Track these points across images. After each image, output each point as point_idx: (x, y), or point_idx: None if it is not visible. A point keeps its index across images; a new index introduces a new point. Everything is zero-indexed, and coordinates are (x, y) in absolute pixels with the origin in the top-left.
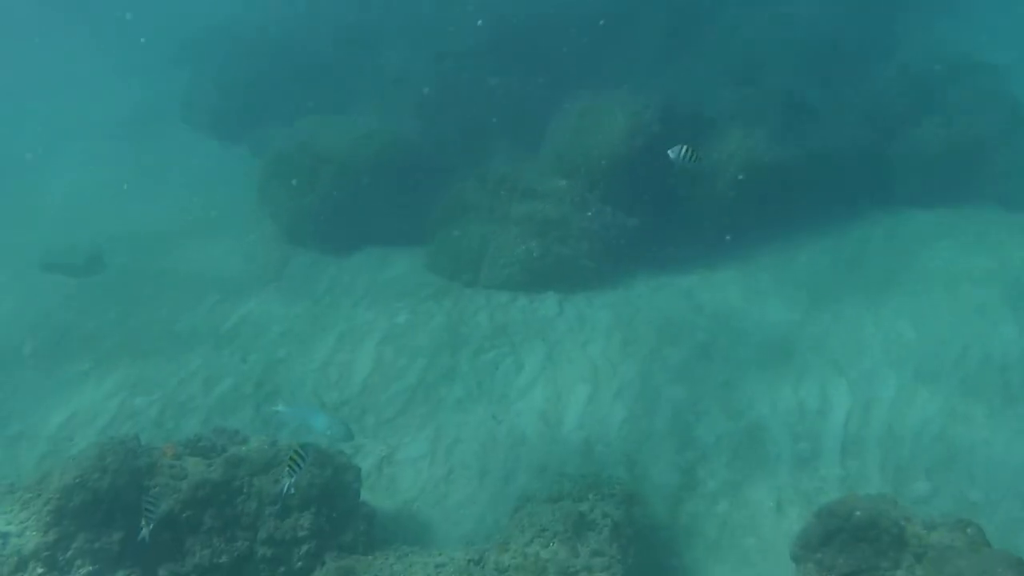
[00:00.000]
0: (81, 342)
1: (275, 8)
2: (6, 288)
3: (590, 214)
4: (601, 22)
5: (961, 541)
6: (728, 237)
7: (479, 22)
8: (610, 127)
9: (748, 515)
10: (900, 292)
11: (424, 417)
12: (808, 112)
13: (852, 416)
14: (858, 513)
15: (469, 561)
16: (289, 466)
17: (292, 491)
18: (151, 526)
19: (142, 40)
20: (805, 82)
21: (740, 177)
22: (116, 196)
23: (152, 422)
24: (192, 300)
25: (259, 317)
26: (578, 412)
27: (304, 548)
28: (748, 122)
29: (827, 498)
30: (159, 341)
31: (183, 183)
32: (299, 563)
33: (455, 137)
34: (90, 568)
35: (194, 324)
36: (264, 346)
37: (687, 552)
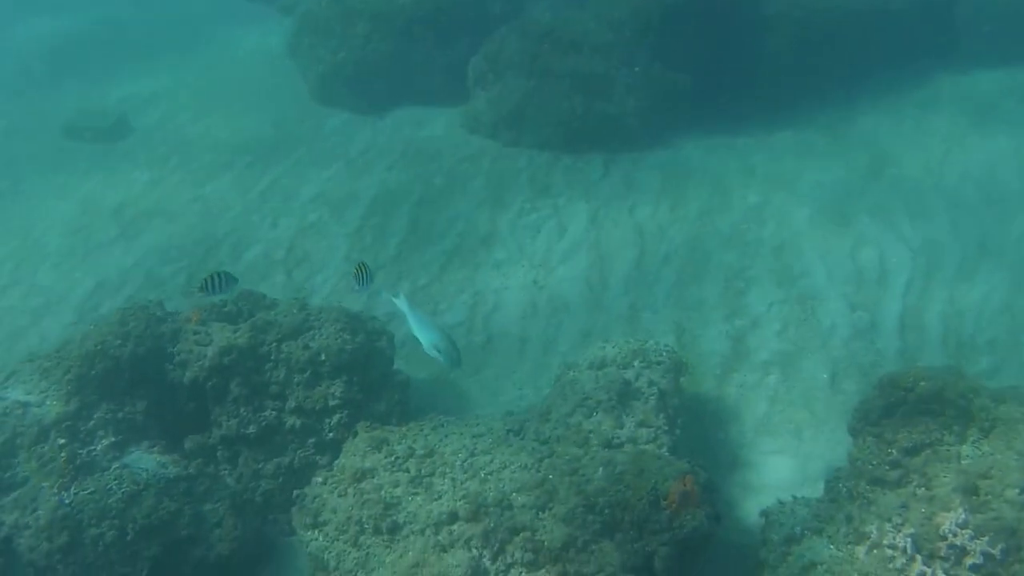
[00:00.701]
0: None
1: None
2: None
3: (638, 69)
4: None
5: None
6: (785, 97)
7: None
8: None
9: (800, 388)
10: (963, 156)
11: (462, 282)
12: None
13: (912, 285)
14: (923, 384)
15: (508, 431)
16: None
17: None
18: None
19: None
20: None
21: (797, 33)
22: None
23: (179, 290)
24: (220, 165)
25: (290, 181)
26: (623, 277)
27: (335, 418)
28: None
29: (884, 372)
30: (186, 207)
31: (211, 45)
32: (330, 434)
33: None
34: (113, 439)
35: (221, 189)
36: (295, 210)
37: (735, 425)
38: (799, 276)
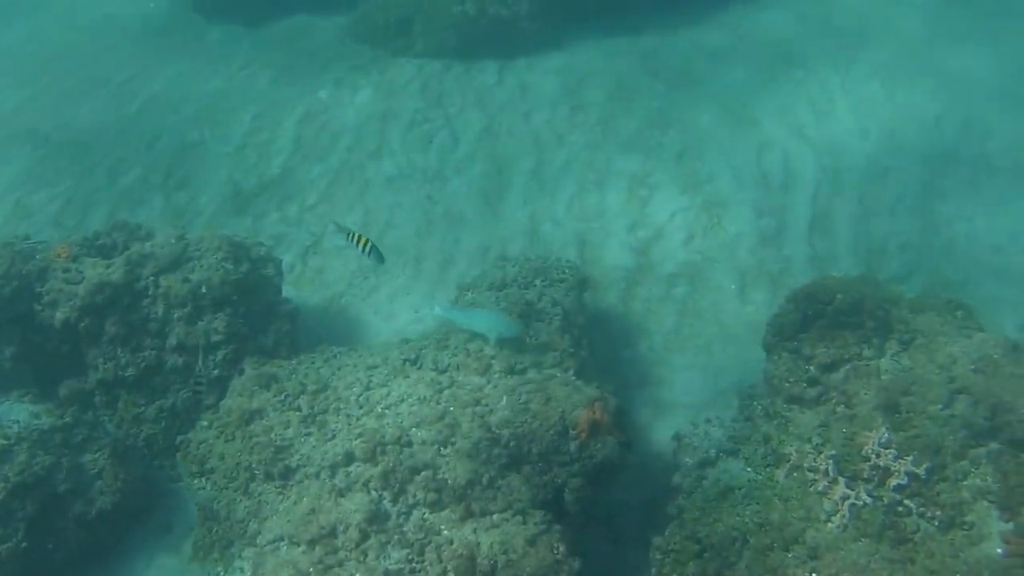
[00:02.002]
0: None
1: None
2: None
3: None
4: None
5: (951, 325)
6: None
7: None
8: None
9: (709, 300)
10: (872, 49)
11: (352, 199)
12: None
13: (821, 188)
14: (840, 296)
15: (405, 361)
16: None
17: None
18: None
19: None
20: None
21: None
22: None
23: (51, 221)
24: (92, 82)
25: (168, 96)
26: (521, 187)
27: (220, 354)
28: None
29: (793, 280)
30: (57, 131)
31: None
32: (215, 371)
33: None
34: None
35: (94, 108)
36: (174, 128)
37: (643, 341)
38: (704, 182)
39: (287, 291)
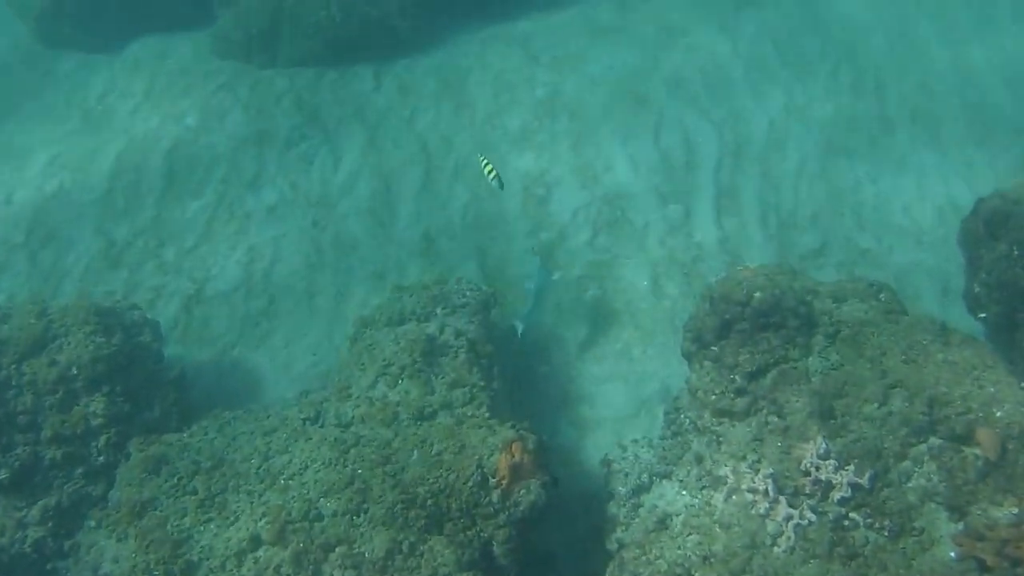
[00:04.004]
0: None
1: None
2: None
3: None
4: None
5: (876, 311)
6: None
7: None
8: None
9: (622, 300)
10: (763, 12)
11: (233, 237)
12: None
13: (723, 165)
14: (757, 295)
15: (305, 420)
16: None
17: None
18: None
19: None
20: None
21: None
22: None
23: None
24: None
25: (20, 144)
26: (412, 202)
27: (103, 439)
28: None
29: (706, 266)
30: None
31: None
32: (100, 458)
33: None
34: None
35: None
36: (30, 180)
37: (558, 354)
38: (602, 173)
39: (173, 349)
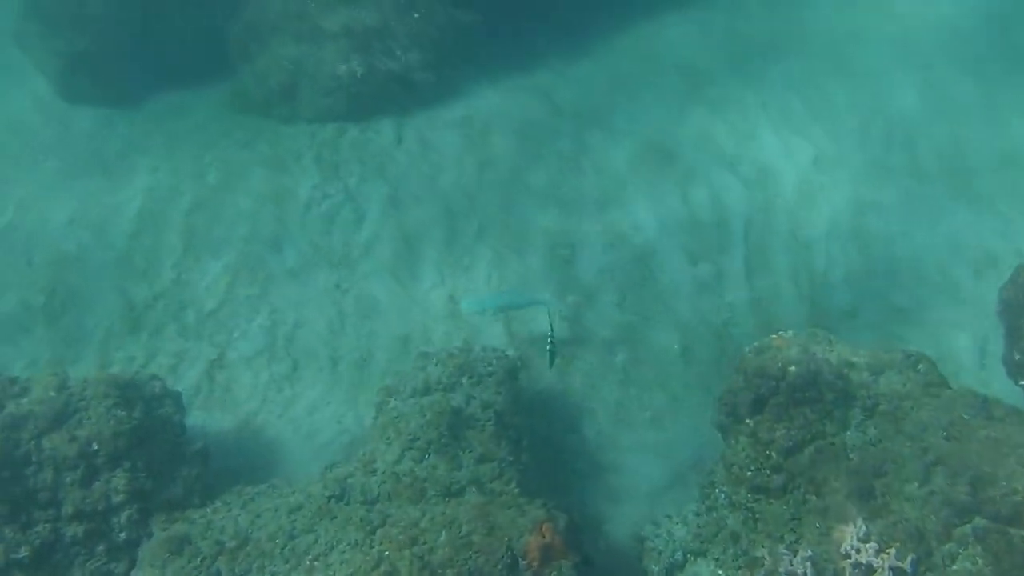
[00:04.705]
0: None
1: None
2: None
3: (417, 16)
4: None
5: (914, 383)
6: (584, 22)
7: None
8: None
9: (652, 365)
10: (786, 61)
11: (254, 300)
12: None
13: (752, 222)
14: (792, 369)
15: (330, 498)
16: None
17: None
18: None
19: None
20: None
21: None
22: None
23: None
24: None
25: (40, 204)
26: (436, 263)
27: (124, 515)
28: None
29: (739, 330)
30: None
31: None
32: (122, 534)
33: None
34: None
35: None
36: (51, 240)
37: (588, 422)
38: (631, 232)
39: (195, 417)
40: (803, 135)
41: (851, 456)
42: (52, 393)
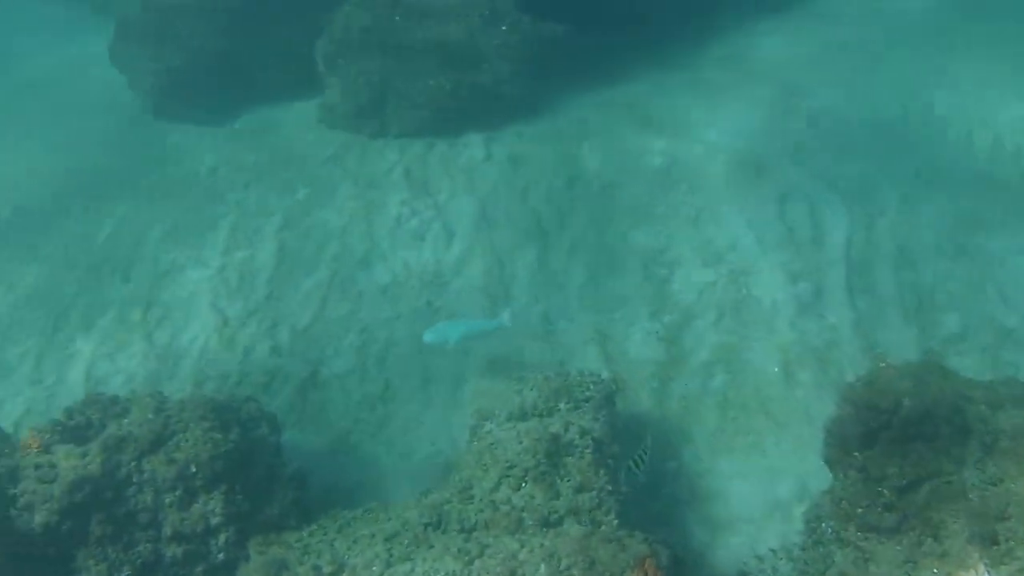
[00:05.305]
0: None
1: None
2: None
3: (505, 28)
4: None
5: None
6: (674, 32)
7: None
8: None
9: (751, 388)
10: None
11: (346, 319)
12: None
13: (853, 239)
14: (907, 402)
15: (427, 525)
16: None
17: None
18: None
19: None
20: None
21: None
22: None
23: (28, 379)
24: (53, 214)
25: (134, 220)
26: (528, 282)
27: (222, 537)
28: None
29: (841, 353)
30: (22, 270)
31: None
32: (220, 555)
33: None
34: None
35: (62, 244)
36: (146, 257)
37: (686, 448)
38: (726, 250)
39: (290, 435)
40: (906, 147)
41: (971, 497)
42: (150, 415)
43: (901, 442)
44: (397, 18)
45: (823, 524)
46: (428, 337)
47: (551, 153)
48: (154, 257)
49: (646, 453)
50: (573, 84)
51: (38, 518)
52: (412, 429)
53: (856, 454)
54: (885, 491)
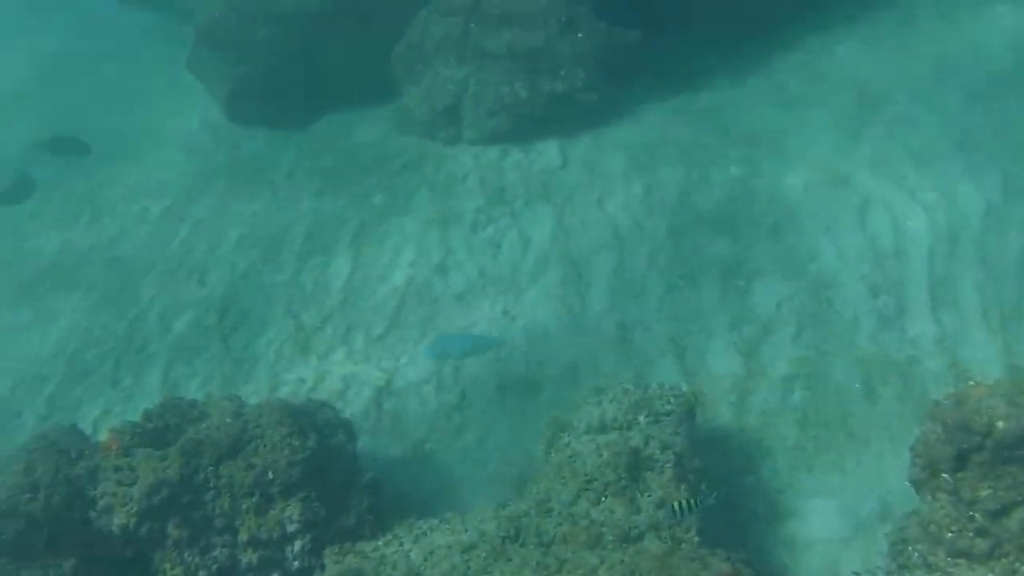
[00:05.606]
0: (18, 287)
1: None
2: None
3: (581, 35)
4: None
5: None
6: (749, 37)
7: None
8: None
9: (832, 404)
10: (964, 79)
11: (422, 325)
12: None
13: (936, 251)
14: (1000, 425)
15: (504, 538)
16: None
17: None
18: None
19: None
20: None
21: None
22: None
23: (107, 380)
24: (131, 216)
25: (211, 224)
26: (605, 290)
27: (298, 544)
28: None
29: (924, 369)
30: (102, 272)
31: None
32: (295, 563)
33: None
34: None
35: (136, 246)
36: (222, 260)
37: (765, 463)
38: (806, 261)
39: (364, 442)
40: (991, 159)
41: None
42: (228, 419)
43: (994, 465)
44: (474, 25)
45: (910, 548)
46: (427, 353)
47: (627, 161)
48: (231, 262)
49: (698, 503)
50: (649, 90)
51: (117, 520)
52: (487, 438)
53: (945, 476)
54: (977, 515)
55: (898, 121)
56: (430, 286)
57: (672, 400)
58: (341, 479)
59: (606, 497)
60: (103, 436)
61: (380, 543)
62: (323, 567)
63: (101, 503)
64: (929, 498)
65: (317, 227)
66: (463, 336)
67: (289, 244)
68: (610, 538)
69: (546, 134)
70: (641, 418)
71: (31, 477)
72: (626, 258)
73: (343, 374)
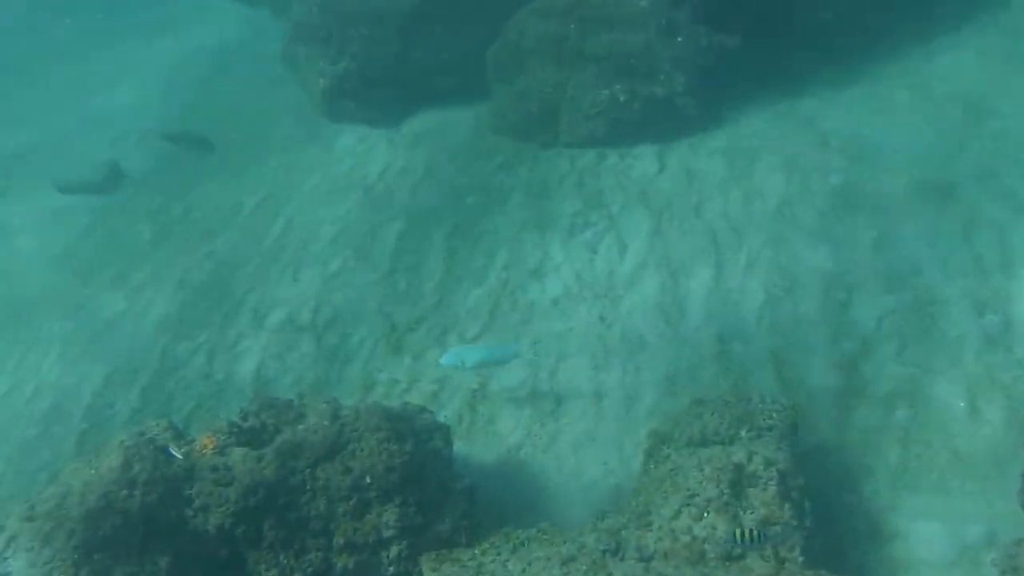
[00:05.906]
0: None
1: None
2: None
3: (681, 39)
4: None
5: None
6: (851, 45)
7: None
8: None
9: (936, 423)
10: None
11: (516, 330)
12: None
13: None
14: None
15: (604, 551)
16: None
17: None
18: None
19: None
20: None
21: None
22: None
23: (200, 374)
24: (228, 210)
25: (306, 219)
26: (703, 299)
27: (394, 550)
28: None
29: None
30: (196, 267)
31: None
32: (390, 568)
33: None
34: None
35: (232, 240)
36: (316, 256)
37: (867, 482)
38: (909, 275)
39: (458, 447)
40: None
41: None
42: (326, 422)
43: None
44: (572, 27)
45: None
46: (445, 360)
47: (726, 167)
48: (323, 261)
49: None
50: (748, 96)
51: (212, 520)
52: (583, 446)
53: None
54: None
55: (1004, 134)
56: (524, 289)
57: (775, 414)
58: (437, 484)
59: (708, 513)
60: (197, 432)
61: (477, 551)
62: (420, 574)
63: (197, 502)
64: None
65: (410, 226)
66: (478, 347)
67: (381, 244)
68: (712, 555)
69: (643, 138)
70: (743, 432)
71: (128, 474)
72: (723, 266)
73: (436, 375)
